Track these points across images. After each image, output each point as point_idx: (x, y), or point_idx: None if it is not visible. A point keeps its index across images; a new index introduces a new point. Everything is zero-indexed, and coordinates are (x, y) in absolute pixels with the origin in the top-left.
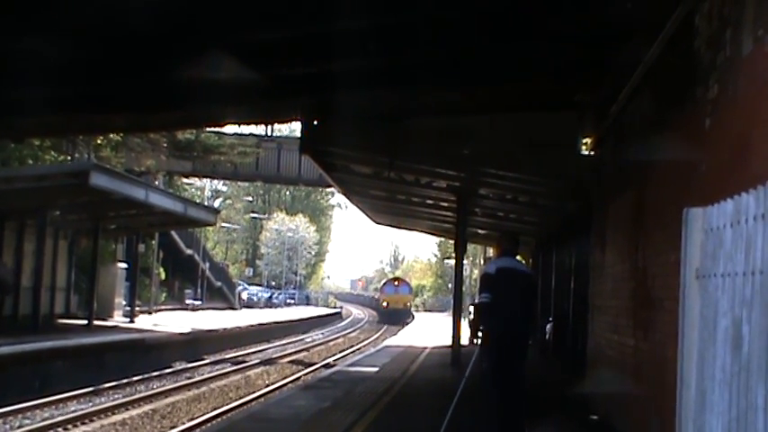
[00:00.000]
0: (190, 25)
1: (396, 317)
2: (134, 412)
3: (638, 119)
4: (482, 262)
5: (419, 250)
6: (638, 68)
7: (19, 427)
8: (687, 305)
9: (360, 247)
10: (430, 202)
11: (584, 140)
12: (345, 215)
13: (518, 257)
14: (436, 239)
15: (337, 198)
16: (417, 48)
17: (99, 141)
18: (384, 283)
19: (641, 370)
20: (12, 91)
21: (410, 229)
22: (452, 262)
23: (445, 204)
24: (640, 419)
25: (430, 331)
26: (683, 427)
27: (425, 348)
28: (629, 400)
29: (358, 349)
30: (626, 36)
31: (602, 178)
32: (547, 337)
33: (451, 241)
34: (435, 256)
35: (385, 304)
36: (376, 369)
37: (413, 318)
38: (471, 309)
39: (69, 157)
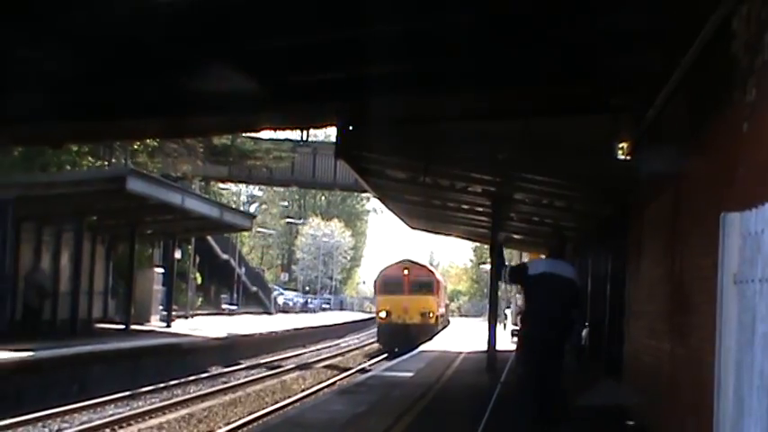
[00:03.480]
0: (220, 28)
1: (405, 339)
2: (171, 416)
3: (674, 123)
4: None
5: (455, 255)
6: (675, 72)
7: (58, 430)
8: (724, 310)
9: (395, 252)
10: (465, 206)
11: (620, 145)
12: (381, 220)
13: (563, 260)
14: (472, 244)
15: (373, 203)
16: (449, 52)
17: (136, 147)
18: (382, 273)
19: (678, 375)
20: (47, 97)
21: (445, 234)
22: (488, 267)
23: (480, 209)
24: (677, 425)
25: (465, 336)
26: None
27: (460, 353)
28: (665, 405)
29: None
30: (663, 39)
31: (638, 183)
32: (582, 342)
33: (487, 246)
34: (471, 261)
35: (384, 315)
36: (411, 374)
37: (445, 325)
38: (512, 311)
39: (106, 163)
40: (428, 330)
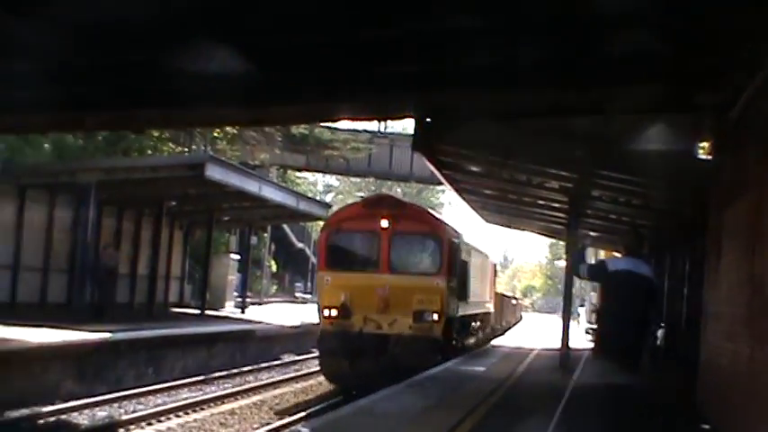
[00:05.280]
0: (305, 20)
1: (377, 366)
2: (243, 402)
3: (759, 122)
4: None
5: (529, 251)
6: (761, 71)
7: (133, 411)
8: None
9: None
10: (541, 202)
11: (702, 144)
12: (455, 213)
13: (640, 258)
14: (547, 240)
15: (448, 196)
16: (531, 48)
17: (215, 134)
18: (332, 222)
19: (756, 380)
20: (132, 82)
21: (521, 229)
22: (563, 263)
23: (557, 205)
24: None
25: (538, 333)
26: None
27: (533, 350)
28: (741, 410)
29: None
30: (748, 38)
31: (719, 182)
32: (658, 342)
33: (562, 242)
34: (546, 257)
35: (332, 314)
36: (483, 369)
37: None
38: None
39: (186, 149)
40: (427, 349)
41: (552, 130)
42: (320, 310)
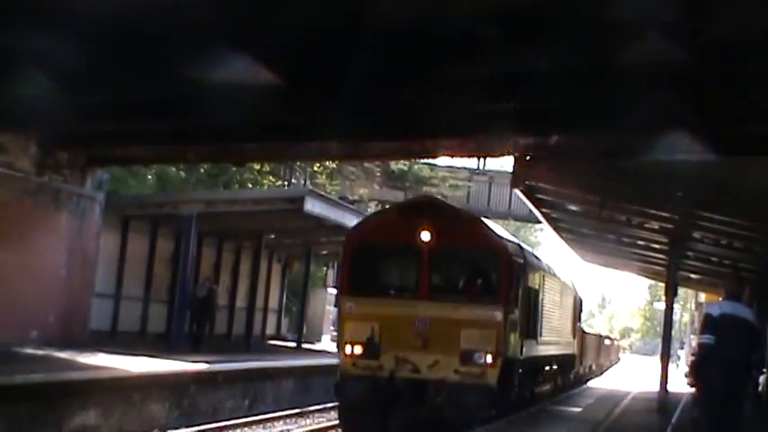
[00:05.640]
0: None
1: (411, 417)
2: None
3: None
4: (693, 307)
5: (627, 292)
6: None
7: None
8: None
9: None
10: (641, 243)
11: None
12: (554, 252)
13: (741, 302)
14: (647, 281)
15: (546, 234)
16: (631, 90)
17: (315, 168)
18: (356, 234)
19: None
20: (231, 116)
21: (619, 270)
22: (662, 305)
23: (656, 246)
24: None
25: (635, 374)
26: None
27: (629, 393)
28: None
29: None
30: None
31: None
32: (759, 388)
33: (662, 284)
34: (645, 299)
35: (356, 351)
36: (579, 409)
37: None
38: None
39: (286, 183)
40: (476, 400)
41: (653, 170)
42: (340, 347)
